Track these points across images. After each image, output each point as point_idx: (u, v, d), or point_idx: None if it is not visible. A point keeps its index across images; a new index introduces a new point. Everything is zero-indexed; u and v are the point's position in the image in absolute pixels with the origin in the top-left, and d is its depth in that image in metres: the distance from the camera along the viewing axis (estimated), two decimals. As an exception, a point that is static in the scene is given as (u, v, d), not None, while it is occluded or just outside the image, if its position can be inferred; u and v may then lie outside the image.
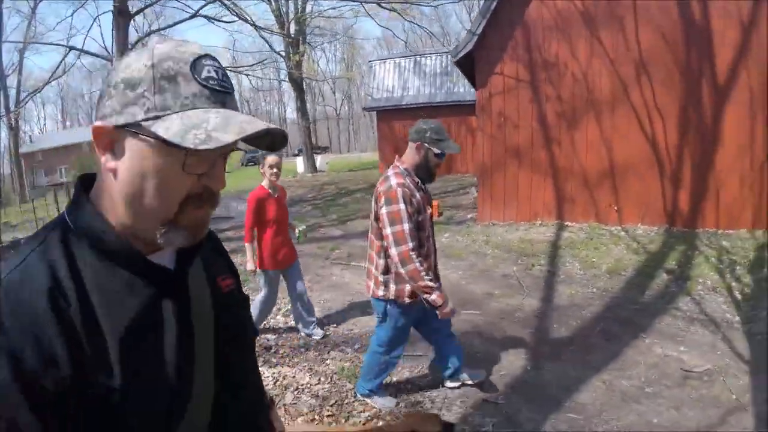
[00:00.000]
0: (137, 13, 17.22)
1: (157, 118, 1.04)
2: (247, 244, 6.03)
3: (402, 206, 4.04)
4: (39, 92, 30.82)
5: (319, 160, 34.90)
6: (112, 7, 15.46)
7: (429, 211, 4.37)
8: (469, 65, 13.24)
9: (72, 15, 41.92)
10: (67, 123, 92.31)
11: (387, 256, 4.24)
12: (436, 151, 4.23)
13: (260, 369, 1.59)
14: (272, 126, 1.11)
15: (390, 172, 4.30)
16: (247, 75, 24.72)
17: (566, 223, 12.02)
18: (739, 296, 7.28)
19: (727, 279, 7.89)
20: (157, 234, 1.11)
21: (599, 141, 11.69)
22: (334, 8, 26.81)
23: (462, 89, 24.66)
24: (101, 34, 19.27)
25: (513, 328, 6.68)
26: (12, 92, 46.86)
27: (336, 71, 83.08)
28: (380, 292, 4.39)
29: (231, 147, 1.09)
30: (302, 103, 33.24)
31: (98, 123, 1.09)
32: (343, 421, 4.73)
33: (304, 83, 35.79)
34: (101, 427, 1.03)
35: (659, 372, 5.40)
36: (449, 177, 23.79)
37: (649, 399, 4.90)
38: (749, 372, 5.33)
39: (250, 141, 1.15)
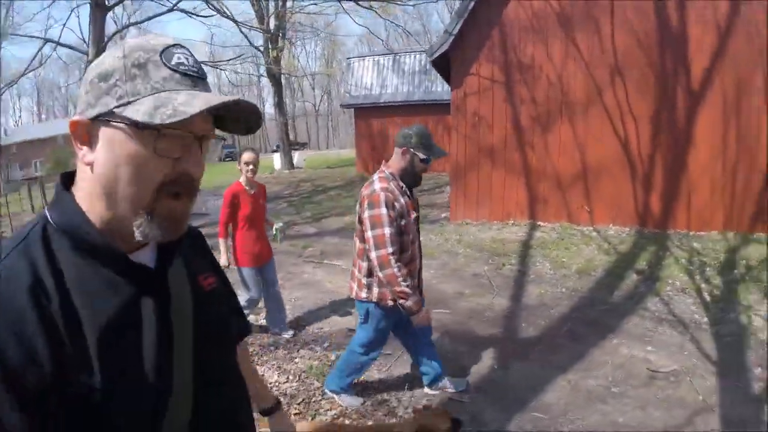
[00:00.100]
0: (114, 5, 17.09)
1: (128, 103, 1.06)
2: (220, 240, 6.03)
3: (384, 210, 4.05)
4: (15, 84, 30.51)
5: (297, 156, 34.73)
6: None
7: (414, 215, 4.37)
8: (446, 65, 13.25)
9: (50, 6, 41.53)
10: (43, 116, 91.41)
11: (369, 259, 4.23)
12: (422, 156, 4.24)
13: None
14: (242, 99, 1.11)
15: (375, 176, 4.32)
16: (223, 70, 24.69)
17: (539, 223, 12.06)
18: (708, 297, 7.35)
19: (696, 280, 7.96)
20: (134, 227, 1.11)
21: (572, 142, 11.75)
22: (315, 4, 26.62)
23: (440, 88, 24.63)
24: (79, 25, 19.26)
25: (481, 327, 6.69)
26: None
27: (316, 67, 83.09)
28: (363, 295, 4.39)
29: (208, 131, 1.14)
30: (280, 98, 33.05)
31: (74, 118, 1.11)
32: (309, 419, 4.70)
33: (283, 79, 35.67)
34: (84, 426, 1.03)
35: (625, 372, 5.43)
36: (425, 175, 23.62)
37: (614, 399, 4.92)
38: (716, 373, 5.38)
39: (227, 127, 1.20)
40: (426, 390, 5.09)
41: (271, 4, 30.65)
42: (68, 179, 1.21)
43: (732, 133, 10.47)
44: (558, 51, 11.70)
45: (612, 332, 6.40)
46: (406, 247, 4.27)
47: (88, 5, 15.70)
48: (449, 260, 9.72)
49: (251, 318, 7.06)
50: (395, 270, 4.04)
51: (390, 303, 4.32)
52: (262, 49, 31.32)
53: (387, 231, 4.05)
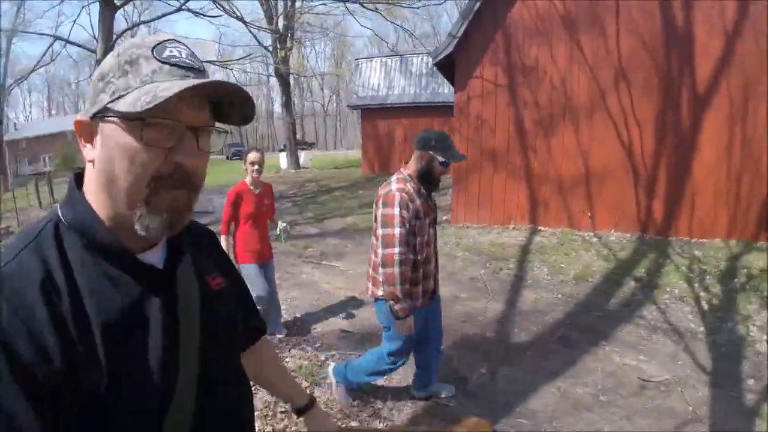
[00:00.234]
0: (123, 4, 17.16)
1: (119, 98, 1.07)
2: (222, 237, 6.03)
3: (397, 211, 4.08)
4: (25, 80, 30.74)
5: (303, 156, 34.76)
6: (98, -3, 15.42)
7: (430, 218, 4.36)
8: (450, 67, 13.23)
9: (60, 3, 41.80)
10: (53, 111, 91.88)
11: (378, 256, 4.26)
12: (441, 159, 4.22)
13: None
14: (220, 80, 1.10)
15: (393, 178, 4.34)
16: (230, 69, 24.70)
17: (539, 228, 12.01)
18: (706, 306, 7.28)
19: (695, 288, 7.89)
20: (135, 220, 1.11)
21: (575, 147, 11.69)
22: (324, 4, 26.65)
23: (447, 90, 24.57)
24: (90, 22, 19.31)
25: (474, 331, 6.67)
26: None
27: (325, 67, 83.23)
28: (379, 292, 4.36)
29: (204, 121, 1.14)
30: (288, 98, 33.11)
31: (77, 117, 1.14)
32: (295, 418, 4.68)
33: (292, 79, 35.73)
34: (92, 422, 1.04)
35: (615, 380, 5.39)
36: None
37: (602, 407, 4.89)
38: (709, 383, 5.33)
39: (224, 117, 1.21)
40: (413, 393, 5.07)
41: (280, 4, 30.71)
42: (80, 177, 1.22)
43: (737, 139, 10.36)
44: (562, 54, 11.64)
45: (605, 339, 6.35)
46: (421, 250, 4.28)
47: (98, 3, 15.72)
48: (447, 263, 9.66)
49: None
50: (396, 270, 4.05)
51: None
52: (270, 48, 31.36)
53: (397, 231, 4.07)
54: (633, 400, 5.02)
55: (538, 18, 11.78)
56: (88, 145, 1.14)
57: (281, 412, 4.77)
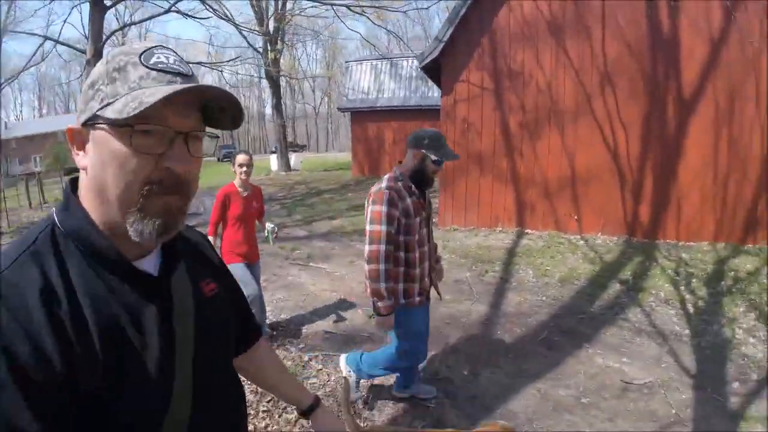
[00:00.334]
0: (112, 5, 17.14)
1: (108, 105, 1.08)
2: (210, 237, 5.99)
3: (385, 208, 4.08)
4: (15, 79, 30.56)
5: (294, 158, 34.78)
6: (88, -2, 15.42)
7: (422, 216, 4.34)
8: (437, 71, 13.26)
9: (51, 1, 41.59)
10: (44, 111, 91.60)
11: None
12: (434, 157, 4.21)
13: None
14: (207, 84, 1.13)
15: (385, 176, 4.33)
16: (221, 71, 24.63)
17: (526, 231, 12.00)
18: (691, 309, 7.28)
19: (681, 291, 7.90)
20: (127, 226, 1.12)
21: (561, 150, 11.71)
22: (314, 6, 26.65)
23: (436, 94, 24.58)
24: (81, 21, 19.21)
25: (457, 333, 6.65)
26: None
27: (317, 69, 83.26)
28: None
29: (193, 127, 1.15)
30: (278, 100, 33.11)
31: (69, 125, 1.16)
32: (277, 417, 4.72)
33: (284, 81, 35.74)
34: (91, 425, 1.06)
35: (598, 383, 5.39)
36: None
37: (583, 409, 4.87)
38: (693, 386, 5.33)
39: (213, 122, 1.21)
40: (393, 392, 5.08)
41: (271, 6, 30.69)
42: (76, 183, 1.23)
43: (723, 142, 10.39)
44: (548, 58, 11.65)
45: (588, 342, 6.35)
46: (412, 248, 4.27)
47: (88, 3, 15.71)
48: (433, 266, 9.66)
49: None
50: (380, 267, 4.05)
51: (403, 301, 4.32)
52: (261, 50, 31.35)
53: (383, 228, 4.07)
54: (615, 403, 5.00)
55: (524, 23, 11.79)
56: (81, 153, 1.16)
57: (263, 411, 4.77)
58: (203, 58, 39.69)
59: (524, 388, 5.23)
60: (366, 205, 4.31)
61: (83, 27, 18.27)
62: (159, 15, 19.31)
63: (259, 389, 5.12)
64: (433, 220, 5.01)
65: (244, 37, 29.93)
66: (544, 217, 12.01)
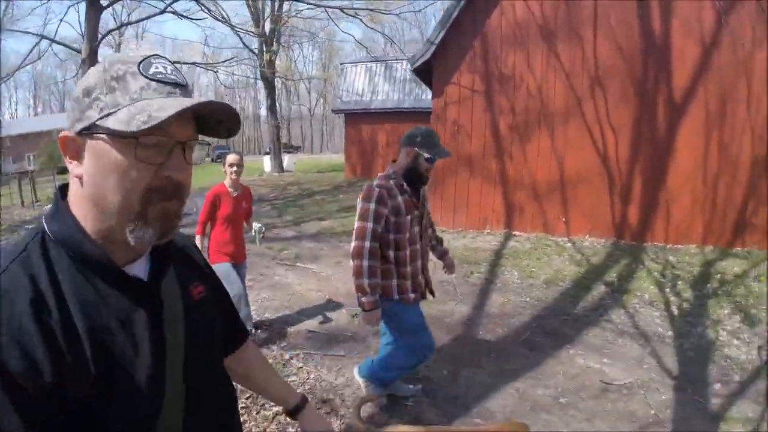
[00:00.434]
0: (108, 5, 17.15)
1: (108, 115, 1.09)
2: (197, 237, 6.03)
3: (373, 205, 4.10)
4: (11, 77, 30.54)
5: (287, 159, 34.73)
6: (85, -2, 15.44)
7: (414, 215, 4.33)
8: (428, 73, 13.31)
9: (48, 1, 41.43)
10: (39, 109, 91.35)
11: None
12: (427, 155, 4.21)
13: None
14: (214, 100, 1.14)
15: (379, 174, 4.36)
16: (216, 71, 24.60)
17: (514, 233, 12.01)
18: (675, 311, 7.29)
19: (666, 293, 7.91)
20: (126, 233, 1.14)
21: (550, 153, 11.74)
22: (312, 8, 26.64)
23: (430, 96, 24.48)
24: (78, 20, 19.24)
25: (439, 333, 6.61)
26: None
27: (314, 71, 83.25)
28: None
29: (190, 136, 1.17)
30: (273, 102, 33.07)
31: (62, 133, 1.15)
32: (254, 413, 4.72)
33: (279, 82, 35.72)
34: None
35: (577, 383, 5.39)
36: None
37: (561, 409, 4.88)
38: (674, 387, 5.35)
39: (209, 131, 1.24)
40: (372, 390, 5.04)
41: (267, 8, 30.69)
42: (65, 190, 1.23)
43: (714, 145, 10.43)
44: (539, 61, 11.69)
45: (570, 343, 6.36)
46: (403, 246, 4.28)
47: (84, 2, 15.72)
48: (419, 267, 9.67)
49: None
50: (364, 263, 4.07)
51: (396, 297, 4.32)
52: (256, 51, 31.34)
53: (370, 225, 4.09)
54: (593, 403, 5.01)
55: (515, 26, 11.83)
56: (74, 161, 1.15)
57: (241, 408, 4.74)
58: (199, 59, 39.59)
59: (503, 388, 5.24)
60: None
61: (80, 26, 18.32)
62: (154, 15, 19.32)
63: (239, 387, 5.13)
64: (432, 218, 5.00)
65: (240, 38, 29.93)
66: (532, 220, 12.03)
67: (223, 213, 5.99)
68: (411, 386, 5.12)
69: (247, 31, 27.76)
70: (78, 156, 1.14)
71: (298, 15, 31.80)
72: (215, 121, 1.20)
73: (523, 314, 7.30)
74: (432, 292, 4.75)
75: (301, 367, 5.70)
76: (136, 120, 1.03)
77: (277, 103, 37.16)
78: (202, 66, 23.49)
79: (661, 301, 7.64)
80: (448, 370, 5.62)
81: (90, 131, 1.10)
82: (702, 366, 5.82)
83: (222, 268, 5.96)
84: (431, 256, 4.91)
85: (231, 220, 6.06)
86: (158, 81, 1.12)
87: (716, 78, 10.30)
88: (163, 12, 18.14)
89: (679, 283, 8.37)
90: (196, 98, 1.11)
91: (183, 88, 1.16)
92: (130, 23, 26.37)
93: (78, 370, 1.04)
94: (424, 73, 13.61)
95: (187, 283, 1.40)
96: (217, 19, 20.87)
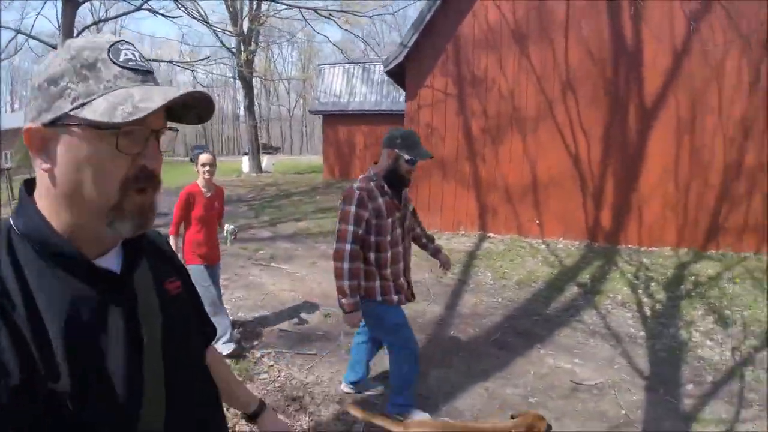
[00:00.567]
0: (85, 1, 17.00)
1: (83, 105, 1.05)
2: (171, 237, 5.96)
3: (353, 208, 4.10)
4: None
5: (266, 160, 34.64)
6: (60, -8, 15.33)
7: (395, 217, 4.32)
8: (401, 76, 13.34)
9: (26, -6, 41.23)
10: (16, 105, 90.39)
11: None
12: (407, 157, 4.19)
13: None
14: (196, 89, 1.12)
15: (360, 176, 4.36)
16: (194, 70, 24.44)
17: (489, 235, 12.06)
18: (648, 312, 7.33)
19: (639, 294, 7.96)
20: (104, 225, 1.12)
21: (523, 156, 11.82)
22: (288, 8, 26.58)
23: (406, 98, 24.81)
24: (56, 15, 19.04)
25: (410, 333, 6.64)
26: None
27: (293, 71, 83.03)
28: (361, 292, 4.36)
29: (163, 125, 1.15)
30: (250, 102, 32.99)
31: (28, 125, 1.10)
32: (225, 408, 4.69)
33: (258, 82, 35.63)
34: None
35: (546, 383, 5.42)
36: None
37: (529, 408, 4.85)
38: (645, 387, 5.39)
39: (179, 117, 1.21)
40: (341, 388, 5.15)
41: (246, 7, 30.61)
42: (32, 185, 1.20)
43: (685, 150, 10.56)
44: (511, 65, 11.77)
45: (540, 343, 6.39)
46: (384, 249, 4.27)
47: (60, -1, 15.63)
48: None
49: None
50: (345, 266, 4.08)
51: (379, 299, 4.32)
52: (234, 51, 31.25)
53: (350, 228, 4.10)
54: (563, 403, 5.04)
55: (488, 30, 11.89)
56: (42, 155, 1.11)
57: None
58: (176, 57, 39.39)
59: (472, 387, 5.26)
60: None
61: (57, 21, 18.16)
62: (131, 12, 19.16)
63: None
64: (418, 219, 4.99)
65: (217, 37, 29.86)
66: (506, 222, 12.08)
67: (197, 214, 5.93)
68: (379, 384, 5.15)
69: (224, 30, 27.66)
70: (45, 148, 1.10)
71: (277, 15, 31.73)
72: (182, 106, 1.18)
73: (495, 314, 7.33)
74: (413, 295, 4.71)
75: (272, 366, 5.71)
76: (120, 111, 1.02)
77: (256, 104, 37.12)
78: (180, 65, 23.35)
79: (634, 303, 7.69)
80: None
81: (62, 122, 1.07)
82: (674, 367, 5.88)
83: (194, 271, 5.89)
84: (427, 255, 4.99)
85: (204, 221, 6.00)
86: (130, 69, 1.10)
87: (687, 84, 10.44)
88: (139, 9, 17.99)
89: (653, 284, 8.44)
90: (182, 88, 1.10)
91: (152, 75, 1.15)
92: (107, 19, 26.13)
93: (48, 369, 1.01)
94: (398, 75, 13.65)
95: (162, 277, 1.37)
96: (194, 17, 20.75)
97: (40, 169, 1.12)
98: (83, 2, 16.75)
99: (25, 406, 0.98)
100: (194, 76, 29.32)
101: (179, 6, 19.03)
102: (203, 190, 5.98)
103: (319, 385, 5.24)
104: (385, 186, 4.27)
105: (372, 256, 4.23)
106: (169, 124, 1.20)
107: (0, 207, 17.28)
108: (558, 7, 11.23)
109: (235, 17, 29.92)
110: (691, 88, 10.39)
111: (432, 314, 7.33)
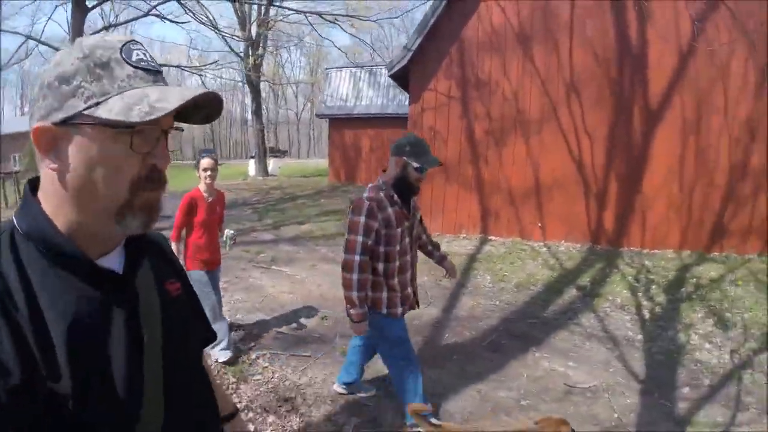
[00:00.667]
0: (95, 6, 17.11)
1: (98, 104, 1.06)
2: (172, 243, 5.90)
3: (362, 219, 4.06)
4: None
5: (272, 164, 34.67)
6: (71, -2, 15.42)
7: (404, 226, 4.29)
8: (405, 79, 13.34)
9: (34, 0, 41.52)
10: (26, 108, 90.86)
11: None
12: (416, 165, 4.16)
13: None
14: (210, 90, 1.14)
15: (369, 185, 4.32)
16: (202, 75, 24.49)
17: (490, 238, 12.02)
18: (647, 315, 7.29)
19: (638, 297, 7.92)
20: (109, 225, 1.13)
21: (526, 158, 11.78)
22: (298, 12, 26.59)
23: (413, 102, 24.77)
24: (66, 20, 19.16)
25: (405, 335, 6.63)
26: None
27: (301, 75, 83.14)
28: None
29: (172, 124, 1.17)
30: (258, 106, 33.02)
31: (38, 124, 1.09)
32: None
33: (266, 86, 35.66)
34: None
35: (540, 386, 5.40)
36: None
37: (521, 411, 4.89)
38: (640, 391, 5.36)
39: (186, 117, 1.21)
40: (334, 388, 5.16)
41: (254, 11, 30.67)
42: (36, 185, 1.20)
43: (690, 152, 10.48)
44: (515, 67, 11.73)
45: (536, 346, 6.37)
46: (393, 258, 4.23)
47: (70, 3, 15.70)
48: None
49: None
50: (354, 276, 4.05)
51: (385, 311, 4.28)
52: (242, 55, 31.30)
53: (360, 238, 4.06)
54: (555, 406, 5.02)
55: (492, 33, 11.85)
56: (50, 155, 1.10)
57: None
58: (185, 62, 39.51)
59: (465, 389, 5.25)
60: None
61: (68, 25, 18.28)
62: (139, 18, 19.28)
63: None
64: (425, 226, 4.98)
65: (226, 42, 29.89)
66: (508, 225, 12.04)
67: (199, 219, 5.91)
68: (371, 386, 5.15)
69: (232, 35, 27.70)
70: (55, 148, 1.10)
71: (285, 20, 31.77)
72: (195, 107, 1.18)
73: (492, 317, 7.31)
74: (417, 303, 4.72)
75: (266, 367, 5.73)
76: (135, 111, 1.02)
77: (263, 107, 37.18)
78: (188, 69, 23.41)
79: (633, 305, 7.64)
80: (411, 371, 5.62)
81: (75, 121, 1.07)
82: (671, 370, 5.84)
83: (195, 276, 5.91)
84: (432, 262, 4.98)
85: (206, 226, 5.98)
86: (143, 69, 1.11)
87: (692, 85, 10.37)
88: (147, 14, 18.11)
89: (653, 287, 8.40)
90: (197, 89, 1.12)
91: (162, 75, 1.16)
92: (117, 24, 26.24)
93: (49, 369, 1.01)
94: (402, 78, 13.64)
95: (163, 278, 1.38)
96: (202, 23, 20.79)
97: (47, 169, 1.12)
98: (93, 8, 16.85)
99: (25, 406, 0.98)
100: (203, 81, 29.29)
101: (187, 11, 19.08)
102: (205, 194, 5.95)
103: (311, 387, 5.25)
104: (395, 195, 4.23)
105: (381, 266, 4.20)
106: (176, 123, 1.22)
107: (6, 210, 17.38)
108: (562, 7, 11.20)
109: (243, 22, 29.95)
110: (696, 89, 10.32)
111: (429, 317, 7.31)
